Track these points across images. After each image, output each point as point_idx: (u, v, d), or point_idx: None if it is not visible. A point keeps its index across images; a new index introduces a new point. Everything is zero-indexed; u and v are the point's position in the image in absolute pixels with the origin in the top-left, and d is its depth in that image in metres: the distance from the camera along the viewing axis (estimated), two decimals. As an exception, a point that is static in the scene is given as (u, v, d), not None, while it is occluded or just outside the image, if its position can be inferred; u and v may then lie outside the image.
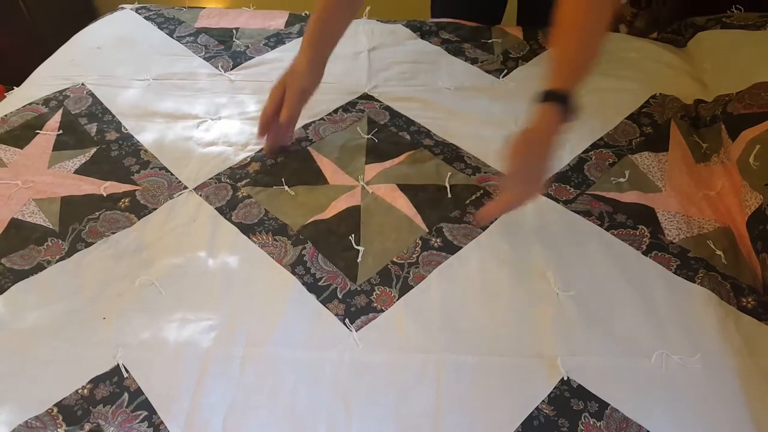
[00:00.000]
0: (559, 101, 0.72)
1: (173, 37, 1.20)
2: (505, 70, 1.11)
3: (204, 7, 1.31)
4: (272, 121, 0.90)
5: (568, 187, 0.88)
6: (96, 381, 0.66)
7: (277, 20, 1.25)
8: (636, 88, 1.04)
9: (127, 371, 0.66)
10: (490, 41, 1.17)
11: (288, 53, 1.15)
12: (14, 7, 1.84)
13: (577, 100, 0.73)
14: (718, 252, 0.77)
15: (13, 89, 1.12)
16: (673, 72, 1.07)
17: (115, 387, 0.65)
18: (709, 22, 1.12)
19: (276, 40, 1.19)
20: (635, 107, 1.00)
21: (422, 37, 1.19)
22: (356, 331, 0.70)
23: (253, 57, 1.15)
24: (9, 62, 1.91)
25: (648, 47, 1.14)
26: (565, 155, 0.93)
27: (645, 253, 0.78)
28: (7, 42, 1.91)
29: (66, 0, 2.05)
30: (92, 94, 1.06)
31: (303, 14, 1.27)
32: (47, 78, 1.11)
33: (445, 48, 1.16)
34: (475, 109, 1.03)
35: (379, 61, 1.14)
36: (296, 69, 0.90)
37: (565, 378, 0.65)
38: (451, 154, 0.95)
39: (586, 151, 0.93)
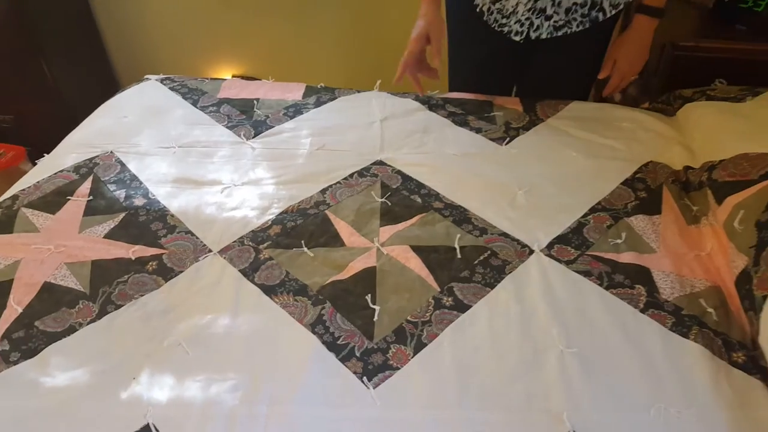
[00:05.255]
0: (652, 12, 1.12)
1: (197, 107, 1.29)
2: (508, 138, 1.19)
3: (225, 79, 1.42)
4: (414, 66, 1.19)
5: (570, 249, 0.94)
6: (127, 439, 0.68)
7: (294, 92, 1.34)
8: (630, 155, 1.12)
9: (157, 430, 0.69)
10: (492, 113, 1.26)
11: (305, 122, 1.24)
12: (40, 73, 1.95)
13: (662, 9, 1.12)
14: (710, 310, 0.82)
15: (43, 156, 1.19)
16: (663, 140, 1.15)
17: (145, 445, 0.68)
18: (695, 94, 1.22)
19: (294, 110, 1.28)
20: (629, 173, 1.07)
21: (430, 109, 1.28)
22: (374, 388, 0.74)
23: (273, 126, 1.23)
24: (34, 126, 2.01)
25: (640, 117, 1.23)
26: (566, 219, 0.99)
27: (642, 311, 0.83)
28: (32, 107, 2.02)
29: (89, 68, 2.18)
30: (120, 162, 1.13)
31: (318, 86, 1.37)
32: (77, 146, 1.19)
33: (452, 119, 1.25)
34: (480, 173, 1.11)
35: (391, 130, 1.22)
36: (432, 20, 1.17)
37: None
38: (460, 216, 1.01)
39: (585, 215, 1.00)
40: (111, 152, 1.16)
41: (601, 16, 1.14)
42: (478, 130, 1.22)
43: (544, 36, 1.17)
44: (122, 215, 1.01)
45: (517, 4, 1.14)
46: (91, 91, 2.13)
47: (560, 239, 0.95)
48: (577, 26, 1.15)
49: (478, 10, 1.21)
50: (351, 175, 1.11)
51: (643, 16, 1.14)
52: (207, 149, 1.17)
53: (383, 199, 1.04)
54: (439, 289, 0.87)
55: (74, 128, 1.27)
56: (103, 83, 2.24)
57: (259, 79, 2.17)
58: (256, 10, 2.05)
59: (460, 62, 1.35)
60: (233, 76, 2.22)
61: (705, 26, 1.37)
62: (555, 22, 1.15)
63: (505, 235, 0.97)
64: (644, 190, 1.04)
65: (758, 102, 1.11)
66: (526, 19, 1.16)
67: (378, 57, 2.04)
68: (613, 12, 1.15)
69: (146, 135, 1.21)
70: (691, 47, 1.26)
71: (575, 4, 1.12)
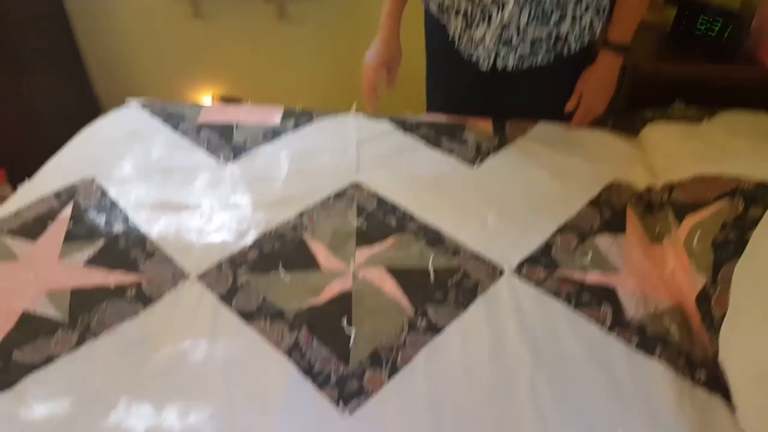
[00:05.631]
0: (617, 49, 1.17)
1: (177, 132, 1.31)
2: (479, 160, 1.23)
3: (204, 106, 1.44)
4: (376, 88, 1.24)
5: (539, 269, 0.97)
6: (106, 469, 0.70)
7: (273, 116, 1.37)
8: (596, 175, 1.16)
9: (135, 459, 0.71)
10: (464, 135, 1.30)
11: (283, 146, 1.27)
12: (18, 93, 1.95)
13: (628, 46, 1.17)
14: (673, 329, 0.86)
15: (24, 180, 1.20)
16: (627, 160, 1.20)
17: (124, 474, 0.69)
18: (656, 115, 1.27)
19: (273, 134, 1.31)
20: (595, 193, 1.12)
21: (405, 131, 1.32)
22: (350, 414, 0.76)
23: (252, 150, 1.26)
24: (11, 147, 2.00)
25: (605, 137, 1.28)
26: (535, 239, 1.03)
27: (608, 332, 0.86)
28: (10, 128, 2.00)
29: (69, 88, 2.18)
30: (101, 188, 1.14)
31: (296, 109, 1.40)
32: (58, 171, 1.20)
33: (425, 141, 1.29)
34: (453, 194, 1.14)
35: (367, 152, 1.25)
36: (393, 48, 1.25)
37: (542, 453, 0.71)
38: (433, 238, 1.04)
39: (553, 235, 1.04)
40: (92, 178, 1.17)
41: (566, 50, 1.19)
42: (450, 152, 1.26)
43: (510, 66, 1.22)
44: (102, 241, 1.02)
45: (484, 34, 1.19)
46: (71, 112, 2.13)
47: (530, 259, 0.99)
48: (542, 58, 1.20)
49: (450, 39, 1.26)
50: (327, 198, 1.13)
51: (608, 52, 1.18)
52: (187, 174, 1.18)
53: (359, 222, 1.07)
54: (413, 312, 0.90)
55: (53, 149, 1.28)
56: (83, 104, 2.24)
57: (239, 99, 2.21)
58: (236, 32, 2.08)
59: (436, 87, 1.40)
60: (213, 96, 2.24)
61: (664, 49, 1.43)
62: (521, 53, 1.20)
63: (476, 255, 1.00)
64: (609, 210, 1.08)
65: (714, 123, 1.17)
66: (493, 49, 1.20)
67: (356, 77, 2.08)
68: (579, 47, 1.19)
69: (127, 160, 1.22)
70: (650, 69, 1.31)
71: (540, 39, 1.17)
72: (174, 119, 1.35)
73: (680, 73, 1.39)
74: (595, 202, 1.10)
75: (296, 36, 2.06)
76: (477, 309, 0.90)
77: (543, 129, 1.31)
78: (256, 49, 2.11)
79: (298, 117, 1.37)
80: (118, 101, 1.88)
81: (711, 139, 1.11)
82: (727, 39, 1.36)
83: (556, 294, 0.93)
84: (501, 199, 1.12)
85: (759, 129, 1.14)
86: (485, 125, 1.34)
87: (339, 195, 1.14)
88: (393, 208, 1.11)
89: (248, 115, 1.38)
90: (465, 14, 1.20)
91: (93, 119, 1.39)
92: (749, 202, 0.86)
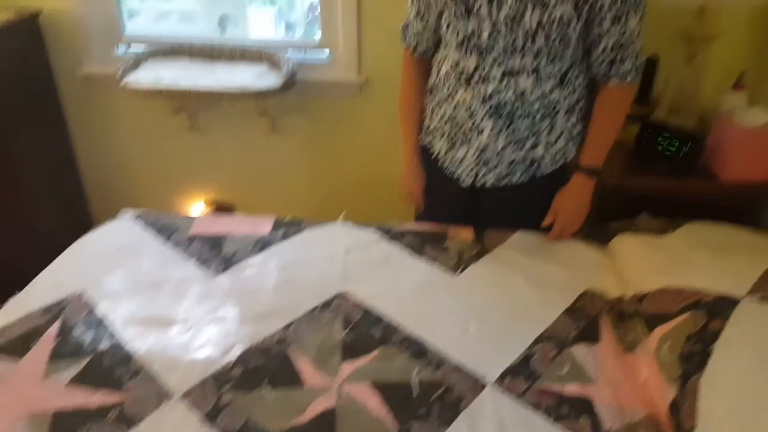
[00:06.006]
0: (590, 173, 1.26)
1: (169, 244, 1.36)
2: (461, 268, 1.29)
3: (197, 216, 1.50)
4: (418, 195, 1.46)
5: (519, 381, 0.99)
6: None
7: (264, 226, 1.43)
8: (571, 284, 1.22)
9: None
10: (446, 244, 1.37)
11: (273, 257, 1.31)
12: (12, 204, 1.99)
13: (599, 170, 1.28)
14: (648, 440, 0.87)
15: (15, 293, 1.22)
16: (599, 270, 1.27)
17: None
18: (624, 227, 1.36)
19: (262, 244, 1.36)
20: (570, 302, 1.17)
21: (390, 240, 1.38)
22: None
23: (242, 261, 1.30)
24: (4, 258, 2.01)
25: (578, 246, 1.35)
26: (515, 349, 1.06)
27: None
28: (2, 238, 2.02)
29: (64, 199, 2.24)
30: (89, 303, 1.16)
31: (285, 219, 1.47)
32: (48, 285, 1.23)
33: (410, 250, 1.35)
34: (436, 304, 1.18)
35: (353, 261, 1.31)
36: (415, 171, 1.44)
37: None
38: (417, 349, 1.06)
39: (532, 345, 1.07)
40: (81, 293, 1.19)
41: (540, 172, 1.30)
42: (434, 260, 1.32)
43: (489, 184, 1.32)
44: (87, 359, 1.03)
45: (465, 155, 1.30)
46: (63, 221, 2.18)
47: (510, 371, 1.01)
48: (519, 178, 1.31)
49: (433, 157, 1.37)
50: (314, 309, 1.16)
51: (581, 175, 1.28)
52: (176, 287, 1.22)
53: (344, 333, 1.09)
54: (396, 430, 0.90)
55: (46, 259, 1.30)
56: (76, 212, 2.30)
57: (231, 206, 2.30)
58: (230, 143, 2.22)
59: (425, 200, 1.50)
60: (205, 202, 2.32)
61: (629, 164, 1.55)
62: (499, 173, 1.30)
63: (459, 368, 1.02)
64: (584, 319, 1.12)
65: (677, 235, 1.25)
66: (473, 168, 1.31)
67: (343, 186, 2.19)
68: (552, 169, 1.30)
69: (117, 274, 1.26)
70: (617, 184, 1.42)
71: (516, 161, 1.28)
72: (166, 231, 1.41)
73: (645, 187, 1.50)
74: (571, 310, 1.14)
75: (287, 148, 2.19)
76: (459, 426, 0.91)
77: (520, 238, 1.39)
78: (250, 160, 2.24)
79: (287, 227, 1.43)
80: (111, 208, 1.97)
81: (674, 251, 1.18)
82: (685, 156, 1.49)
83: (537, 406, 0.94)
84: (482, 308, 1.16)
85: (718, 241, 1.22)
86: (466, 234, 1.41)
87: (325, 305, 1.17)
88: (378, 319, 1.14)
89: (239, 226, 1.44)
90: (448, 137, 1.32)
91: (85, 228, 1.44)
92: (710, 315, 0.91)
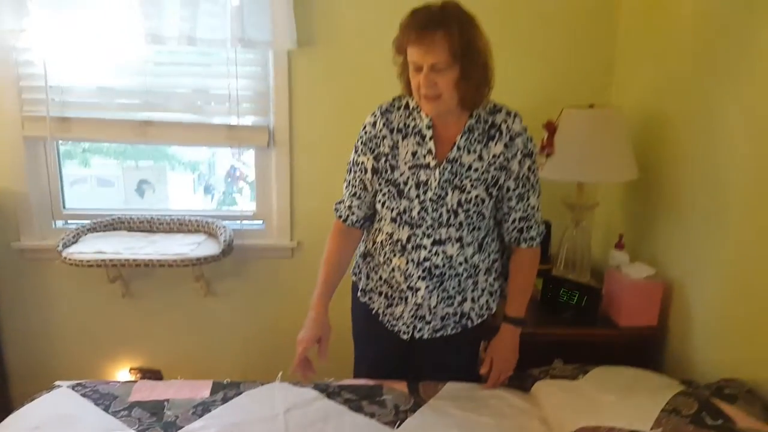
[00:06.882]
0: (515, 322, 1.46)
1: (109, 413, 1.33)
2: (398, 422, 1.35)
3: (135, 381, 1.49)
4: (308, 360, 1.38)
5: None
6: None
7: (202, 390, 1.44)
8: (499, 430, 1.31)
9: None
10: (383, 397, 1.44)
11: (213, 420, 1.32)
12: None
13: (524, 319, 1.49)
14: None
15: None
16: (525, 415, 1.38)
17: None
18: (541, 373, 1.51)
19: (203, 408, 1.37)
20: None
21: (328, 397, 1.44)
22: None
23: (183, 426, 1.29)
24: None
25: (503, 395, 1.46)
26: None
27: None
28: None
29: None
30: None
31: (224, 382, 1.49)
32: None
33: (348, 406, 1.40)
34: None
35: (294, 420, 1.34)
36: (324, 323, 1.42)
37: None
38: None
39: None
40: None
41: (469, 323, 1.49)
42: (371, 416, 1.37)
43: (425, 336, 1.48)
44: None
45: (403, 311, 1.46)
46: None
47: None
48: (451, 330, 1.48)
49: (373, 312, 1.51)
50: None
51: (508, 325, 1.48)
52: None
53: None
54: None
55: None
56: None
57: (157, 371, 2.23)
58: (163, 308, 2.24)
59: (363, 354, 1.61)
60: (130, 370, 2.25)
61: (539, 316, 1.77)
62: (434, 326, 1.47)
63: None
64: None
65: (588, 379, 1.42)
66: (411, 323, 1.46)
67: (278, 347, 2.22)
68: (479, 320, 1.49)
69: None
70: (531, 333, 1.60)
71: (447, 315, 1.46)
72: (105, 400, 1.38)
73: (554, 335, 1.70)
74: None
75: (222, 309, 2.25)
76: None
77: (451, 388, 1.49)
78: (184, 323, 2.26)
79: (226, 389, 1.45)
80: (29, 377, 1.86)
81: (587, 394, 1.34)
82: (585, 306, 1.73)
83: None
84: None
85: (623, 382, 1.39)
86: (401, 386, 1.49)
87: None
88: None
89: (179, 391, 1.44)
90: (386, 296, 1.49)
91: (6, 409, 1.37)
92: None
